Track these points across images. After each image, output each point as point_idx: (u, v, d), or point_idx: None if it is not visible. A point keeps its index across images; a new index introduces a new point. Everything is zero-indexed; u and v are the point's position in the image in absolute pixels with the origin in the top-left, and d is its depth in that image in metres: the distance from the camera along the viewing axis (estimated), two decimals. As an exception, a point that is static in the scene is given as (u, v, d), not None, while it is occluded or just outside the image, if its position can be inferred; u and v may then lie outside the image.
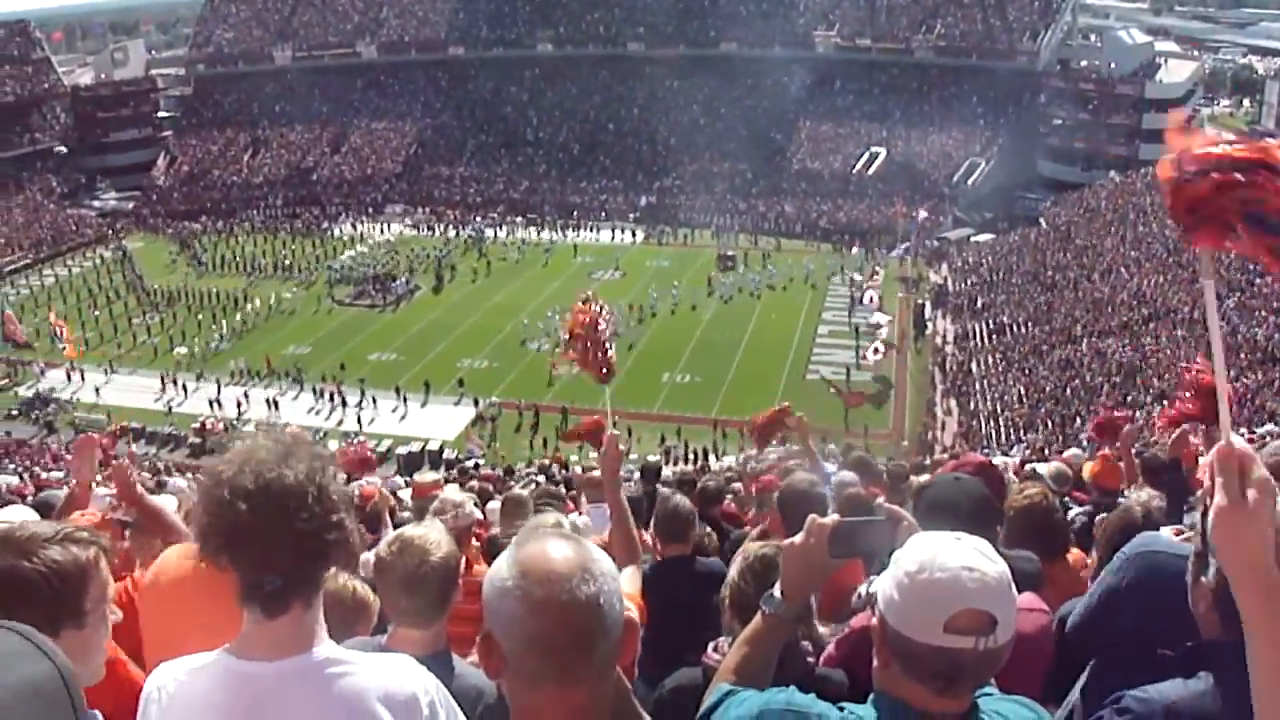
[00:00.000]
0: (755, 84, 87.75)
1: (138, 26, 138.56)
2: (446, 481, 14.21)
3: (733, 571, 4.40)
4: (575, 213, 79.66)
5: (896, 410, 46.60)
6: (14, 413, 51.50)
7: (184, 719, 2.45)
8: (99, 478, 6.91)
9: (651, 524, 6.69)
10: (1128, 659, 3.09)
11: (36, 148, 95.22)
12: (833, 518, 3.04)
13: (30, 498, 14.10)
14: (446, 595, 3.70)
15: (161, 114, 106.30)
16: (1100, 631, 3.60)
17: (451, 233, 77.75)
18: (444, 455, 41.63)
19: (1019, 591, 2.59)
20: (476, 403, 48.33)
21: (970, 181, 75.13)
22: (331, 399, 49.57)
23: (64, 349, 55.11)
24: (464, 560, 4.09)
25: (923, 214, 67.72)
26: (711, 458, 37.82)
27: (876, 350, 48.93)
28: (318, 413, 48.79)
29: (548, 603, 2.01)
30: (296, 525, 2.38)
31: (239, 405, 49.27)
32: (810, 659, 3.92)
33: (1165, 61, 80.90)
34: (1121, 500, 7.07)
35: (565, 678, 2.06)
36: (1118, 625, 3.50)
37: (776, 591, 3.07)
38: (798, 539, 3.05)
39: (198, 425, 47.45)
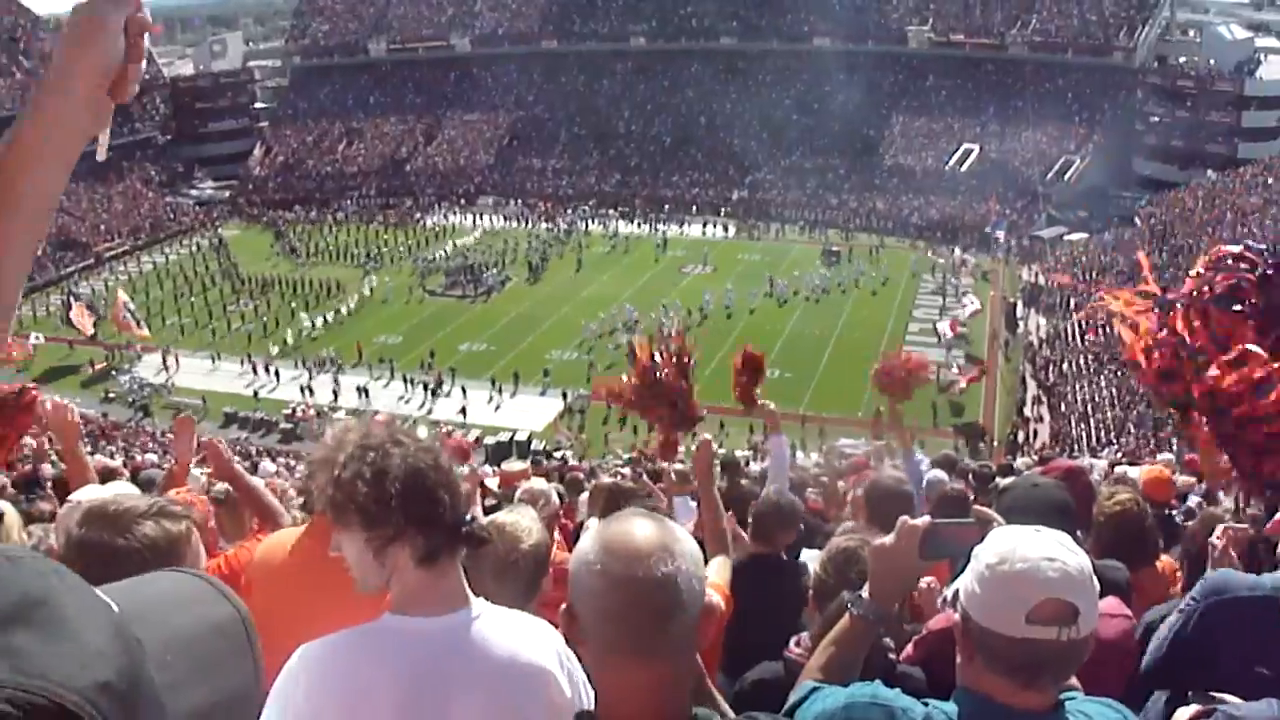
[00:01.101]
0: (848, 79, 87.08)
1: (236, 19, 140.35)
2: (535, 471, 14.40)
3: (815, 564, 4.47)
4: (666, 206, 79.60)
5: (985, 410, 46.18)
6: (111, 396, 52.57)
7: (353, 682, 2.50)
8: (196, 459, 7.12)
9: (750, 519, 6.56)
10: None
11: (136, 137, 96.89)
12: (923, 519, 2.99)
13: (126, 477, 14.51)
14: (535, 583, 3.72)
15: (258, 105, 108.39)
16: (1171, 670, 3.58)
17: (544, 225, 78.00)
18: (531, 446, 41.69)
19: (1105, 597, 2.62)
20: (565, 395, 48.51)
21: (1065, 179, 74.17)
22: (427, 388, 50.02)
23: (133, 336, 56.20)
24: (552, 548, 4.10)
25: (1008, 213, 67.27)
26: (799, 453, 37.68)
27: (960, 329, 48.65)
28: (407, 401, 49.17)
29: (625, 578, 2.06)
30: (456, 476, 2.58)
31: (335, 391, 50.09)
32: (891, 655, 3.91)
33: (1265, 57, 79.08)
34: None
35: (641, 652, 2.09)
36: (1186, 669, 3.45)
37: (864, 592, 3.03)
38: (888, 540, 3.01)
39: (289, 411, 48.19)
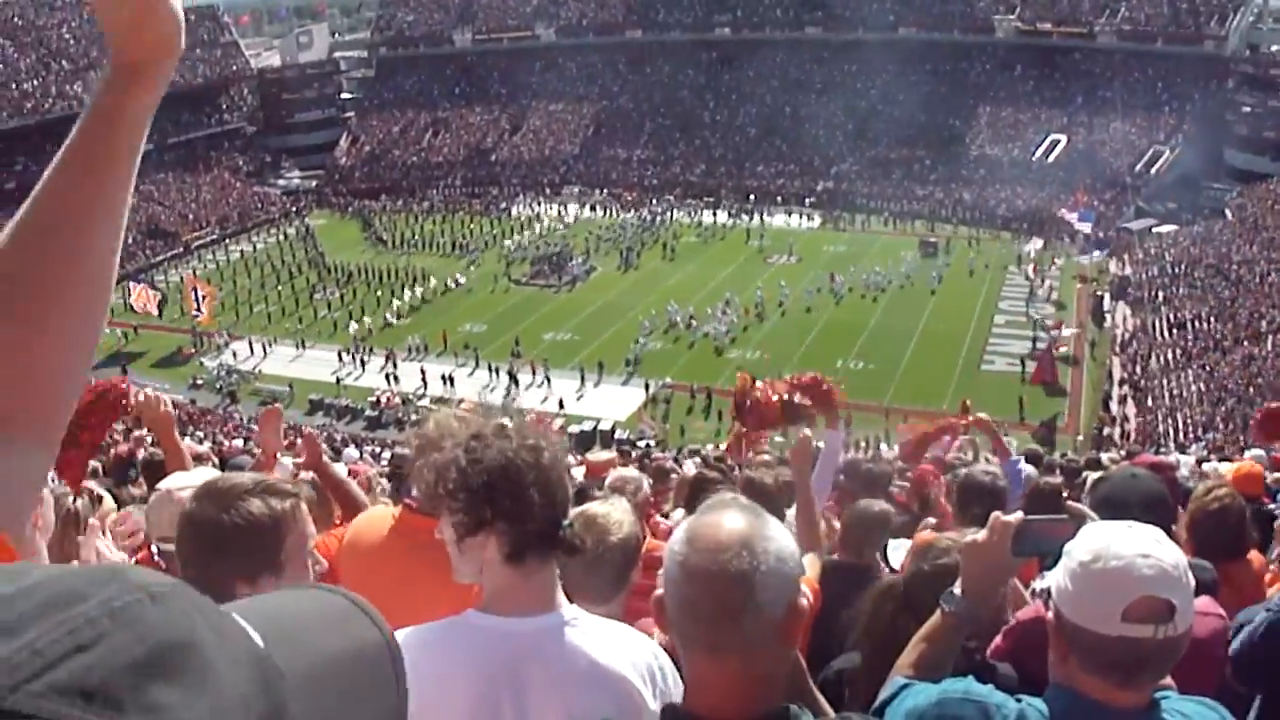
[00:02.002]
0: (934, 69, 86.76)
1: (322, 11, 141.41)
2: (622, 461, 14.57)
3: (906, 562, 4.40)
4: (752, 196, 79.37)
5: (1072, 404, 45.97)
6: (199, 382, 53.56)
7: (429, 676, 2.48)
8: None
9: (839, 528, 6.38)
10: None
11: (225, 128, 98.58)
12: (1016, 516, 2.97)
13: (214, 463, 14.96)
14: (625, 574, 3.70)
15: (344, 95, 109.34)
16: (1254, 671, 3.68)
17: (629, 214, 78.27)
18: (615, 435, 41.88)
19: (1196, 597, 2.58)
20: (647, 386, 48.80)
21: (1154, 171, 73.25)
22: (512, 376, 50.40)
23: (198, 316, 57.41)
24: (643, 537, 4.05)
25: (1096, 204, 66.66)
26: (882, 446, 37.64)
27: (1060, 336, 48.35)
28: (492, 389, 49.51)
29: (699, 570, 2.07)
30: (561, 478, 2.58)
31: (424, 378, 50.53)
32: (979, 657, 3.75)
33: (1359, 46, 77.92)
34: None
35: (711, 646, 2.11)
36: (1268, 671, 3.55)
37: (956, 589, 3.00)
38: (980, 536, 2.99)
39: (374, 399, 48.88)
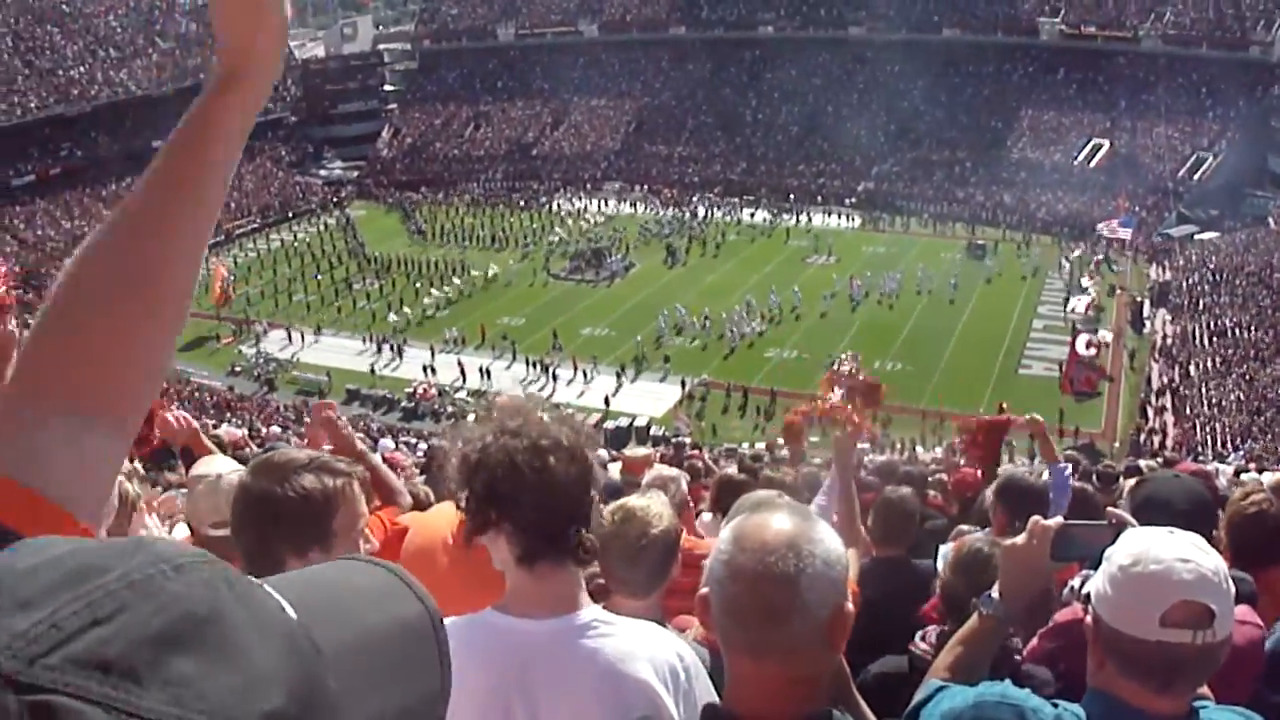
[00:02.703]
0: (977, 71, 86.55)
1: (366, 3, 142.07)
2: (660, 458, 14.64)
3: (945, 564, 4.42)
4: (791, 196, 79.10)
5: (1109, 410, 45.77)
6: (236, 369, 54.11)
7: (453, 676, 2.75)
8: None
9: (870, 517, 6.46)
10: None
11: (267, 117, 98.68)
12: (1055, 520, 2.97)
13: (250, 450, 15.15)
14: (666, 568, 3.68)
15: (387, 87, 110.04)
16: None
17: (669, 211, 78.24)
18: (651, 432, 42.10)
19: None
20: (683, 383, 48.83)
21: (1196, 177, 72.74)
22: (548, 370, 50.62)
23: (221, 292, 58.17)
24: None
25: (1138, 210, 66.35)
26: (918, 448, 37.58)
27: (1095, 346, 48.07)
28: (529, 383, 49.72)
29: (745, 571, 2.06)
30: (574, 483, 2.52)
31: (462, 370, 50.74)
32: (1018, 657, 3.87)
33: None
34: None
35: (754, 648, 2.10)
36: None
37: (994, 592, 3.01)
38: (1019, 540, 3.00)
39: (410, 390, 49.17)
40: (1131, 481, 8.64)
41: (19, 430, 1.33)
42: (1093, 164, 75.63)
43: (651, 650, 2.56)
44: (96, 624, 0.68)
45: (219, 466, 4.26)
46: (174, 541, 0.66)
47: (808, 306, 56.39)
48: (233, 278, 61.20)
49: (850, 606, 2.14)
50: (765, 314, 55.61)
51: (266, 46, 1.57)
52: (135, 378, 1.45)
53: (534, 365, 51.29)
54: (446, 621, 2.32)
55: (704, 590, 2.17)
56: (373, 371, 52.16)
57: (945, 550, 6.14)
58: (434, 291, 61.69)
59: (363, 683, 0.83)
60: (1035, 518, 3.01)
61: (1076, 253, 62.21)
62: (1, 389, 1.42)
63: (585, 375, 49.90)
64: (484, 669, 2.51)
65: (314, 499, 2.79)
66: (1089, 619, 2.65)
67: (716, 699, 2.43)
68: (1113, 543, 2.67)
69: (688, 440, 36.92)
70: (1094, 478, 11.41)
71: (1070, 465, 9.31)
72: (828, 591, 2.07)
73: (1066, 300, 55.30)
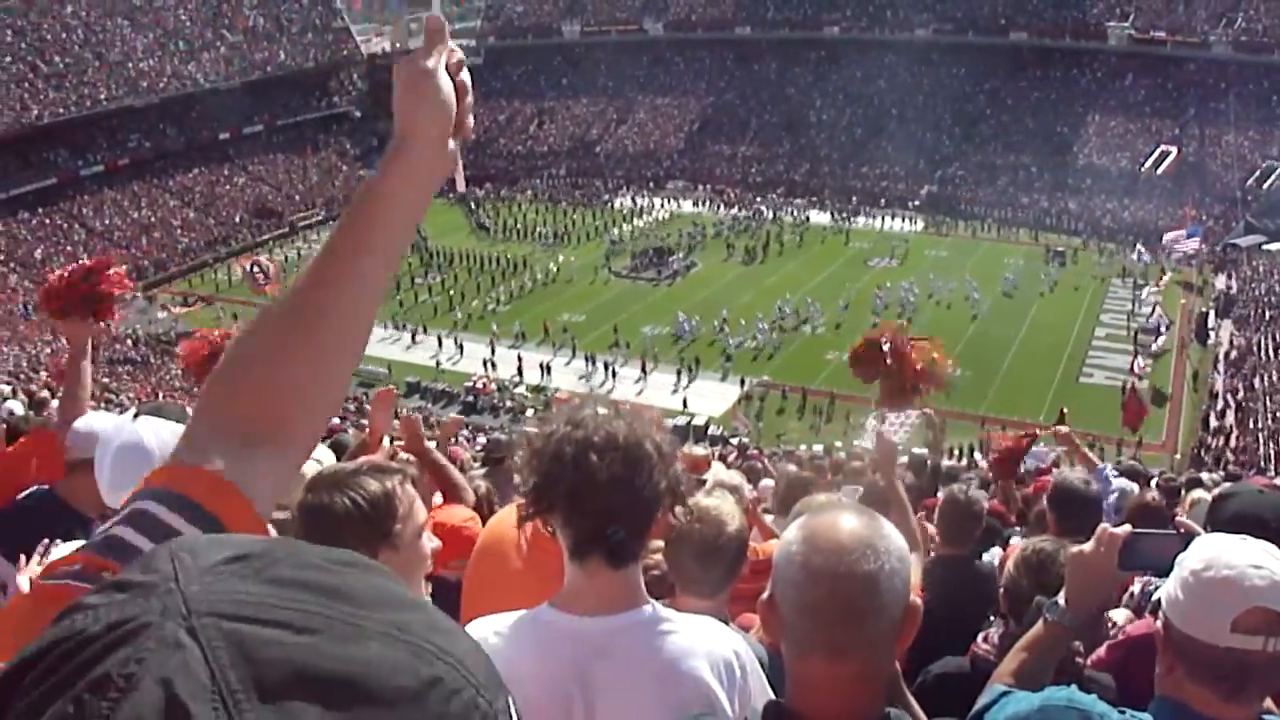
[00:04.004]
0: (1044, 74, 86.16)
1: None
2: (719, 458, 14.60)
3: (1009, 563, 4.37)
4: (855, 198, 78.95)
5: (1170, 422, 45.40)
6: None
7: (506, 671, 2.76)
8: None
9: (936, 517, 6.47)
10: None
11: (333, 111, 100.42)
12: (1124, 529, 2.94)
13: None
14: (736, 569, 3.69)
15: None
16: None
17: (732, 211, 78.30)
18: (709, 431, 42.12)
19: None
20: (743, 382, 48.86)
21: (1266, 186, 71.88)
22: (608, 367, 50.72)
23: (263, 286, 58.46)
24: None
25: (1204, 219, 65.66)
26: (976, 454, 37.41)
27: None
28: (587, 379, 50.05)
29: (824, 572, 2.03)
30: (639, 477, 2.48)
31: (520, 366, 50.83)
32: (1079, 660, 3.74)
33: None
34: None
35: (834, 648, 2.06)
36: None
37: (1060, 599, 2.98)
38: (1087, 547, 2.96)
39: (470, 384, 49.42)
40: (1202, 494, 8.65)
41: (241, 452, 1.51)
42: (1160, 171, 74.64)
43: (709, 646, 2.56)
44: (300, 632, 0.70)
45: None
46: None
47: (863, 311, 55.51)
48: (283, 273, 61.79)
49: (919, 602, 2.15)
50: (774, 326, 54.90)
51: (428, 123, 1.72)
52: (317, 417, 1.70)
53: (592, 361, 51.48)
54: (503, 617, 2.62)
55: (769, 594, 2.16)
56: (438, 366, 52.47)
57: (994, 554, 6.17)
58: (496, 290, 62.25)
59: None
60: (1104, 526, 2.98)
61: (1141, 261, 61.64)
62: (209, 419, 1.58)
63: (645, 372, 49.89)
64: (540, 664, 2.52)
65: (374, 499, 2.81)
66: (1159, 624, 2.68)
67: (773, 696, 2.50)
68: (1181, 552, 2.68)
69: (746, 440, 37.07)
70: (1155, 488, 11.36)
71: (1128, 475, 9.20)
72: (901, 588, 2.08)
73: (1130, 310, 54.73)
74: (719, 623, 2.77)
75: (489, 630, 2.60)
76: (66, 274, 5.17)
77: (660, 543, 3.77)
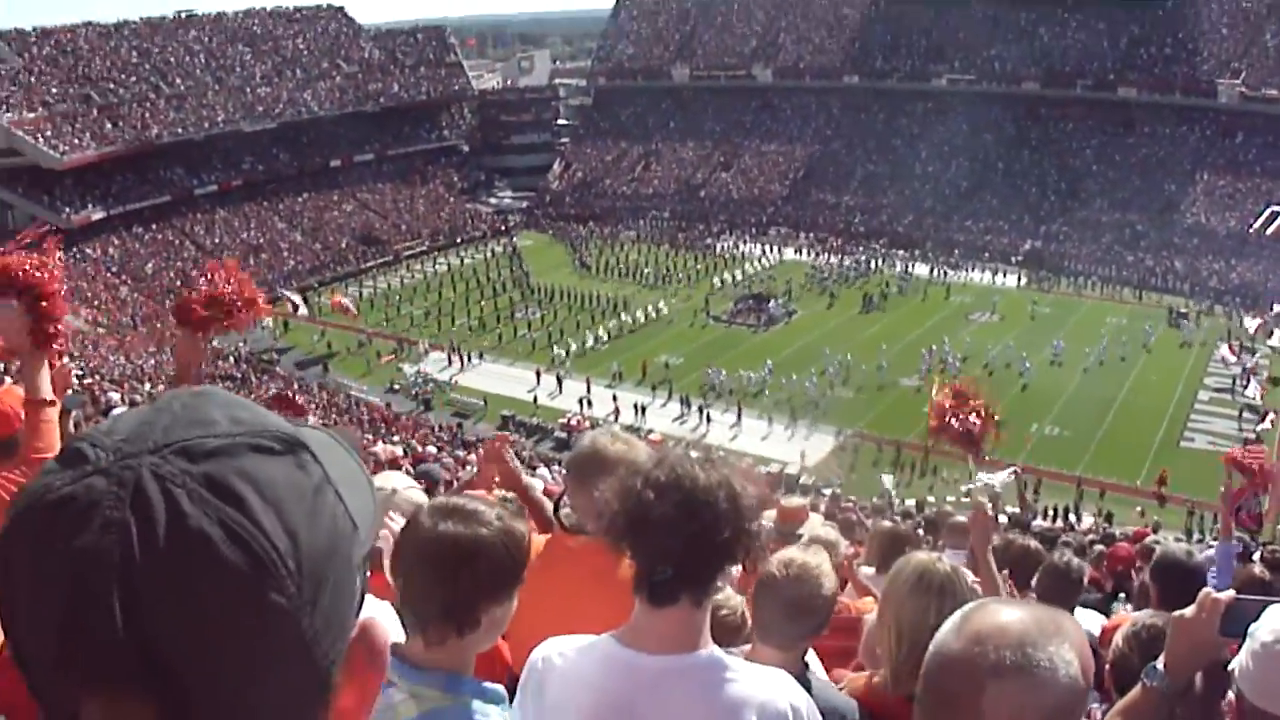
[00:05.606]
0: (1152, 131, 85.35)
1: (545, 38, 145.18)
2: (814, 508, 14.95)
3: (1118, 637, 4.36)
4: (957, 251, 78.52)
5: (1275, 493, 44.69)
6: (395, 387, 56.08)
7: (564, 694, 2.60)
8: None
9: (1035, 580, 6.55)
10: None
11: (443, 144, 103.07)
12: (1228, 594, 2.82)
13: (407, 468, 15.91)
14: (824, 624, 3.69)
15: (560, 121, 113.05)
16: None
17: (834, 260, 78.71)
18: (800, 480, 41.87)
19: None
20: (838, 433, 49.04)
21: (1382, 250, 70.76)
22: (702, 411, 50.94)
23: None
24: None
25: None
26: (1071, 516, 37.12)
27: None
28: (682, 421, 50.57)
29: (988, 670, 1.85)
30: (696, 522, 2.44)
31: (615, 405, 51.55)
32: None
33: None
34: None
35: None
36: None
37: (1160, 664, 2.86)
38: (1189, 612, 2.83)
39: (564, 421, 49.96)
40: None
41: None
42: (1269, 232, 73.58)
43: (766, 697, 2.53)
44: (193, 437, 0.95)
45: (395, 481, 4.35)
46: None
47: (969, 365, 55.48)
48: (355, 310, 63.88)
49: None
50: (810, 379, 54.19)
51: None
52: None
53: (688, 404, 52.00)
54: (569, 640, 2.70)
55: (922, 692, 2.00)
56: (535, 401, 53.13)
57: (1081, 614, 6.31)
58: (597, 328, 63.50)
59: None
60: (1206, 590, 2.84)
61: (1250, 325, 61.04)
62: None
63: (738, 417, 50.21)
64: (592, 693, 2.56)
65: (518, 543, 2.62)
66: (1233, 696, 2.69)
67: None
68: None
69: (839, 491, 37.25)
70: (1260, 563, 11.30)
71: (1240, 544, 9.10)
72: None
73: (1234, 380, 54.09)
74: (786, 675, 2.73)
75: (555, 650, 2.69)
76: (213, 286, 5.35)
77: (737, 589, 3.97)
